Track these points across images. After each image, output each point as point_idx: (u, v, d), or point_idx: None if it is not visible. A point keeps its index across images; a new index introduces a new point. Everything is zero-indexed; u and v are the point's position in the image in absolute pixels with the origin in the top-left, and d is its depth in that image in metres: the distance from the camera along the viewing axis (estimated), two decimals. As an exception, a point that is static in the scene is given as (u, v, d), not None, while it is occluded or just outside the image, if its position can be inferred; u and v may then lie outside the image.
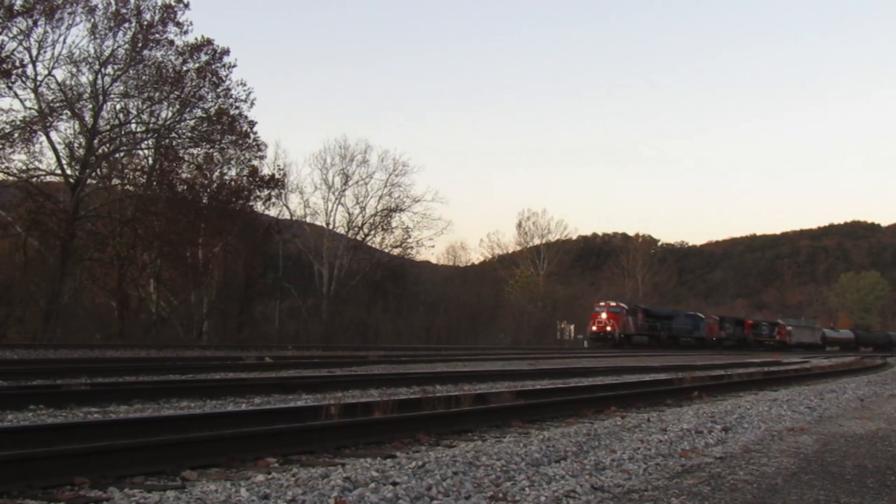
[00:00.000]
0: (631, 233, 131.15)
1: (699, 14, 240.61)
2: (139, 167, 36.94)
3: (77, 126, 33.22)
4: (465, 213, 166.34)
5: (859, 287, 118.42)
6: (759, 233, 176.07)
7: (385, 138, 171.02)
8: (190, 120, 35.45)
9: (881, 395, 14.84)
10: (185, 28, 33.90)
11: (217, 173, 38.32)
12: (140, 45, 33.30)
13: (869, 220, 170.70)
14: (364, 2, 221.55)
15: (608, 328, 51.37)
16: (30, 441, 5.72)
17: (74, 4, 31.61)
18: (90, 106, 33.11)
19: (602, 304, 54.44)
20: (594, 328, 52.15)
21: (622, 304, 54.44)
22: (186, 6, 33.71)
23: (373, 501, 4.45)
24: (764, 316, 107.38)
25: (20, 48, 30.46)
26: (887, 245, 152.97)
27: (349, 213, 50.97)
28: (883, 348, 78.89)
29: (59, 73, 32.45)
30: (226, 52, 35.09)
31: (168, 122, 35.13)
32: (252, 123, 36.47)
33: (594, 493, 4.97)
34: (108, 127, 34.31)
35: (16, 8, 29.82)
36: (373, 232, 51.32)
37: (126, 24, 33.03)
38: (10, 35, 30.05)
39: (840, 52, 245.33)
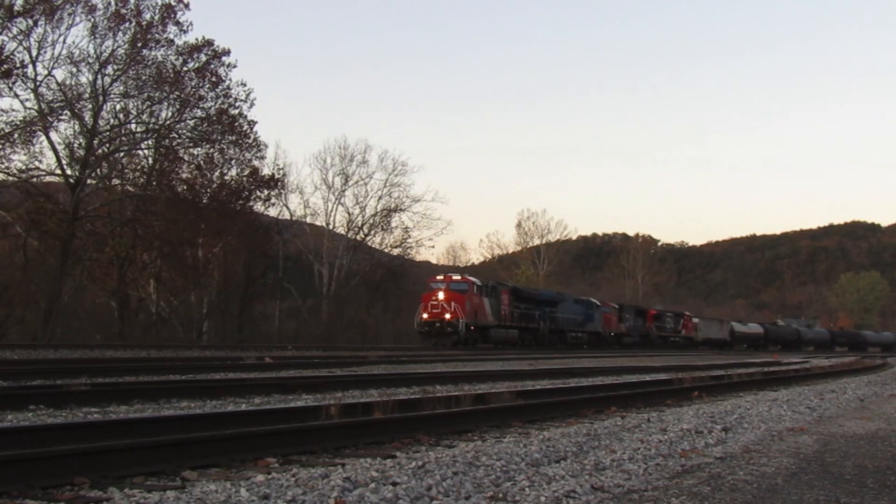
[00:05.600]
0: (631, 233, 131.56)
1: (697, 15, 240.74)
2: (139, 167, 36.99)
3: (77, 126, 33.27)
4: (465, 213, 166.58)
5: (859, 287, 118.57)
6: (759, 233, 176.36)
7: (385, 138, 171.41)
8: (190, 120, 35.49)
9: (881, 395, 14.83)
10: (184, 28, 33.96)
11: (217, 173, 38.34)
12: (140, 45, 33.32)
13: (869, 220, 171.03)
14: (364, 3, 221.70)
15: (447, 316, 34.56)
16: (30, 441, 5.71)
17: (74, 4, 31.64)
18: (90, 106, 33.13)
19: (440, 277, 37.24)
20: (425, 315, 35.46)
21: (472, 279, 37.63)
22: (186, 6, 33.77)
23: (373, 501, 4.45)
24: (764, 316, 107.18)
25: (20, 48, 30.51)
26: (887, 245, 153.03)
27: (349, 214, 51.02)
28: (791, 345, 74.38)
29: (59, 74, 32.50)
30: (226, 52, 35.15)
31: (168, 122, 35.15)
32: (252, 123, 36.54)
33: (594, 493, 4.97)
34: (108, 127, 34.34)
35: (16, 8, 29.83)
36: (373, 232, 51.40)
37: (126, 24, 33.07)
38: (10, 35, 30.10)
39: (840, 53, 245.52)
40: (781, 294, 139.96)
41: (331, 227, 50.37)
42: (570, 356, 31.45)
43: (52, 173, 32.68)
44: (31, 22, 30.44)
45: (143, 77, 33.83)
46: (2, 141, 30.41)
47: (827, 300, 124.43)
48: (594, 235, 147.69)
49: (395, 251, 52.59)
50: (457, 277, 37.03)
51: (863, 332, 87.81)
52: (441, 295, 35.25)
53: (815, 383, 18.10)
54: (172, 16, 33.65)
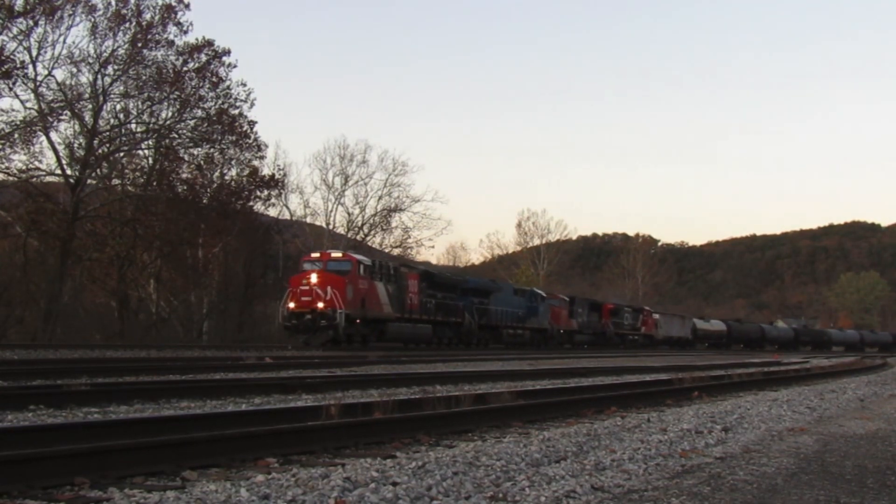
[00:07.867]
0: (631, 233, 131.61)
1: (698, 16, 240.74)
2: (139, 167, 37.05)
3: (77, 126, 33.33)
4: (465, 213, 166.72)
5: (859, 287, 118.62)
6: (759, 233, 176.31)
7: (385, 138, 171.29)
8: (190, 120, 35.54)
9: (881, 395, 14.83)
10: (185, 28, 34.00)
11: (217, 173, 38.40)
12: (140, 45, 33.35)
13: (869, 220, 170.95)
14: (364, 2, 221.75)
15: (320, 305, 26.76)
16: (30, 441, 5.71)
17: (75, 4, 31.68)
18: (90, 106, 33.18)
19: (315, 255, 29.41)
20: (291, 305, 27.58)
21: (358, 257, 29.84)
22: (187, 6, 33.82)
23: (373, 501, 4.45)
24: (764, 316, 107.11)
25: (20, 48, 30.53)
26: (887, 245, 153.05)
27: (349, 214, 50.96)
28: (754, 343, 72.10)
29: (59, 74, 32.55)
30: (226, 52, 35.20)
31: (168, 122, 35.19)
32: (252, 123, 36.59)
33: (594, 493, 4.97)
34: (108, 127, 34.39)
35: (16, 8, 29.85)
36: (373, 232, 51.38)
37: (126, 24, 33.10)
38: (11, 35, 30.12)
39: (840, 53, 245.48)
40: (781, 294, 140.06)
41: (331, 227, 50.39)
42: (569, 356, 31.49)
43: (52, 173, 32.79)
44: (31, 22, 30.50)
45: (144, 77, 33.89)
46: (2, 141, 30.46)
47: (827, 300, 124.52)
48: (594, 235, 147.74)
49: (396, 251, 52.56)
50: (337, 255, 29.05)
51: (827, 331, 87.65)
52: (314, 278, 27.11)
53: (815, 383, 18.10)
54: (173, 16, 33.73)
